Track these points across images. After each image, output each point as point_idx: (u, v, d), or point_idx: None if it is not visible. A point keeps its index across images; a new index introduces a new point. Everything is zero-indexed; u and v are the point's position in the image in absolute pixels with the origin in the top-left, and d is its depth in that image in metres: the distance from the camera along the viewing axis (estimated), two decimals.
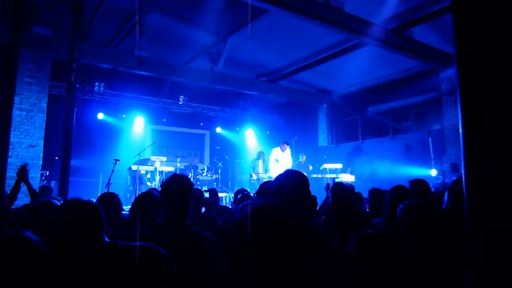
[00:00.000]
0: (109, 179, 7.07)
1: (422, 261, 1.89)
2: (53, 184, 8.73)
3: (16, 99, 7.07)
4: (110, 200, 3.00)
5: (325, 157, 11.89)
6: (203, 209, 4.16)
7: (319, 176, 10.07)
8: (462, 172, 1.15)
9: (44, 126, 7.88)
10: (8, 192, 3.99)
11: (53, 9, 6.64)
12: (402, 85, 10.57)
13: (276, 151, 10.14)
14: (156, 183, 9.43)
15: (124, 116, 12.50)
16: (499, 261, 1.02)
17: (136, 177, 9.31)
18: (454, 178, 2.92)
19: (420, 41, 8.12)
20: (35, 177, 7.51)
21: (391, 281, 1.82)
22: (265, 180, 8.50)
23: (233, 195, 5.70)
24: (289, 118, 14.42)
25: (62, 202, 2.47)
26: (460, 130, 1.15)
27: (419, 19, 7.48)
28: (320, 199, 4.34)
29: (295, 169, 9.92)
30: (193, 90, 12.14)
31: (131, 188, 10.08)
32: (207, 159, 14.81)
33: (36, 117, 7.79)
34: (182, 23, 8.27)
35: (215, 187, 8.15)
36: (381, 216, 2.94)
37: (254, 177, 10.09)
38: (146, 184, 9.73)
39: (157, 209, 2.62)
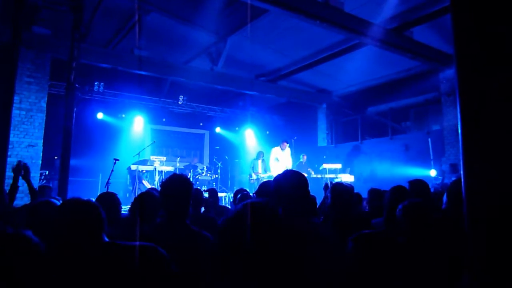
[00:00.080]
0: (109, 179, 7.07)
1: (421, 262, 1.89)
2: (52, 183, 8.73)
3: (16, 98, 7.07)
4: (109, 199, 3.01)
5: (324, 157, 11.89)
6: (203, 209, 4.15)
7: (318, 176, 10.08)
8: (461, 172, 1.15)
9: (44, 126, 7.88)
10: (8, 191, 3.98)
11: (53, 9, 6.64)
12: (402, 85, 10.57)
13: (276, 150, 10.14)
14: (155, 183, 9.43)
15: (123, 115, 12.49)
16: (498, 262, 1.02)
17: (136, 177, 9.31)
18: (453, 179, 2.93)
19: (420, 41, 8.13)
20: (35, 177, 7.51)
21: (390, 281, 1.82)
22: (264, 180, 8.50)
23: (232, 195, 5.70)
24: (289, 118, 14.42)
25: (61, 201, 2.47)
26: (459, 131, 1.15)
27: (419, 19, 7.49)
28: (320, 199, 4.34)
29: (296, 169, 9.90)
30: (192, 90, 12.14)
31: (131, 188, 10.08)
32: (206, 159, 14.81)
33: (35, 117, 7.79)
34: (182, 23, 8.27)
35: (214, 187, 8.16)
36: (381, 217, 2.94)
37: (254, 177, 10.09)
38: (145, 183, 9.73)
39: (156, 209, 2.62)
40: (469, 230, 1.10)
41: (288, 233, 1.21)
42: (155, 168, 9.54)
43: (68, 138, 5.53)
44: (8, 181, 4.94)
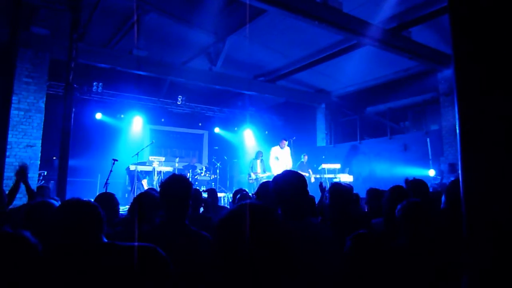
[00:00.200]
0: (107, 179, 7.06)
1: (420, 262, 1.89)
2: (51, 184, 8.71)
3: (14, 98, 7.05)
4: (107, 200, 3.01)
5: (323, 157, 11.90)
6: (202, 209, 4.15)
7: (317, 176, 10.09)
8: (459, 172, 1.16)
9: (42, 126, 7.86)
10: (7, 191, 3.98)
11: (51, 9, 6.63)
12: (400, 86, 10.59)
13: (275, 149, 10.12)
14: (154, 183, 9.42)
15: (122, 116, 12.47)
16: (497, 262, 1.03)
17: (134, 177, 9.30)
18: (452, 179, 2.93)
19: (418, 41, 8.14)
20: (33, 177, 7.49)
21: (388, 282, 1.83)
22: (264, 180, 8.49)
23: (231, 195, 5.69)
24: (288, 118, 14.43)
25: (59, 202, 2.47)
26: (458, 131, 1.15)
27: (417, 20, 7.50)
28: (318, 199, 4.34)
29: (297, 169, 9.82)
30: (191, 90, 12.13)
31: (129, 188, 10.07)
32: (205, 159, 14.80)
33: (34, 117, 7.77)
34: (181, 23, 8.27)
35: (214, 187, 8.15)
36: (380, 217, 2.95)
37: (253, 176, 10.08)
38: (144, 184, 9.72)
39: (156, 209, 2.62)
40: (467, 230, 1.10)
41: (287, 234, 1.21)
42: (154, 169, 9.54)
43: (66, 139, 5.53)
44: (7, 182, 4.93)
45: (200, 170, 11.40)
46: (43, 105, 7.90)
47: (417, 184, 3.19)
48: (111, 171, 7.21)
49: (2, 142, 4.31)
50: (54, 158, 9.73)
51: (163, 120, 13.58)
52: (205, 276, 1.45)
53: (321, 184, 4.44)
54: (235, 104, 14.01)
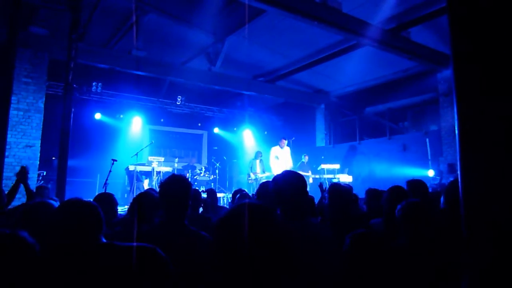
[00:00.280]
0: (107, 179, 7.05)
1: (420, 262, 1.90)
2: (50, 184, 8.70)
3: (13, 99, 7.03)
4: (106, 200, 3.01)
5: (322, 157, 11.90)
6: (201, 210, 4.15)
7: (317, 176, 10.09)
8: (458, 172, 1.16)
9: (41, 126, 7.85)
10: (6, 192, 3.98)
11: (51, 9, 6.63)
12: (400, 86, 10.60)
13: (275, 148, 10.12)
14: (153, 184, 9.41)
15: (121, 116, 12.47)
16: (496, 262, 1.03)
17: (134, 177, 9.29)
18: (451, 179, 2.93)
19: (417, 42, 8.15)
20: (32, 177, 7.48)
21: (387, 282, 1.83)
22: (263, 180, 8.48)
23: (230, 195, 5.69)
24: (287, 118, 14.43)
25: (58, 202, 2.47)
26: (457, 131, 1.16)
27: (416, 20, 7.51)
28: (318, 199, 4.34)
29: (298, 169, 9.82)
30: (190, 90, 12.13)
31: (128, 189, 10.06)
32: (204, 160, 14.80)
33: (33, 117, 7.76)
34: (180, 23, 8.27)
35: (213, 188, 8.15)
36: (379, 217, 2.95)
37: (252, 177, 10.08)
38: (143, 183, 9.71)
39: (155, 210, 2.62)
40: (466, 231, 1.10)
41: (286, 233, 1.21)
42: (153, 169, 9.53)
43: (66, 139, 5.52)
44: (6, 182, 4.92)
45: (200, 170, 11.39)
46: (42, 105, 7.89)
47: (416, 184, 3.20)
48: (110, 171, 7.20)
49: (1, 142, 4.31)
50: (53, 158, 9.72)
51: (162, 120, 13.58)
52: (205, 276, 1.45)
53: (321, 185, 4.44)
54: (234, 104, 14.01)
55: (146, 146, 10.68)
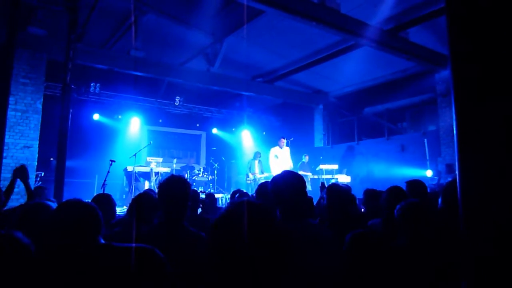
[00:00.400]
0: (105, 180, 7.05)
1: (420, 262, 1.90)
2: (48, 185, 8.67)
3: (11, 99, 7.03)
4: (105, 201, 3.00)
5: (321, 158, 11.91)
6: (200, 210, 4.15)
7: (315, 177, 10.10)
8: (457, 173, 1.16)
9: (39, 127, 7.84)
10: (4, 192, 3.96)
11: (49, 9, 6.61)
12: (398, 86, 10.62)
13: (274, 149, 10.10)
14: (152, 184, 9.40)
15: (120, 117, 12.45)
16: (495, 262, 1.03)
17: (132, 178, 9.28)
18: (449, 179, 2.94)
19: (416, 42, 8.17)
20: (30, 178, 7.43)
21: (389, 281, 1.83)
22: (262, 180, 8.47)
23: (229, 196, 5.69)
24: (285, 119, 14.44)
25: (56, 203, 2.46)
26: (455, 131, 1.16)
27: (415, 21, 7.53)
28: (317, 200, 4.34)
29: (299, 169, 9.75)
30: (189, 91, 12.12)
31: (127, 189, 10.05)
32: (203, 160, 14.79)
33: (31, 118, 7.74)
34: (178, 24, 8.27)
35: (211, 192, 8.14)
36: (377, 217, 2.95)
37: (251, 177, 10.07)
38: (143, 184, 9.70)
39: (154, 210, 2.62)
40: (464, 231, 1.10)
41: (285, 233, 1.21)
42: (151, 170, 9.52)
43: (64, 140, 5.51)
44: (4, 183, 4.91)
45: (198, 171, 11.39)
46: (40, 106, 7.88)
47: (415, 184, 3.20)
48: (108, 172, 7.20)
49: None
50: (52, 159, 9.70)
51: (160, 121, 13.57)
52: (203, 277, 1.45)
53: (322, 185, 4.44)
54: (233, 105, 14.01)
55: (145, 147, 10.67)
